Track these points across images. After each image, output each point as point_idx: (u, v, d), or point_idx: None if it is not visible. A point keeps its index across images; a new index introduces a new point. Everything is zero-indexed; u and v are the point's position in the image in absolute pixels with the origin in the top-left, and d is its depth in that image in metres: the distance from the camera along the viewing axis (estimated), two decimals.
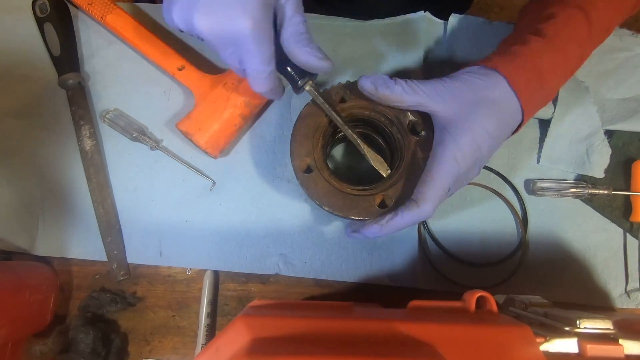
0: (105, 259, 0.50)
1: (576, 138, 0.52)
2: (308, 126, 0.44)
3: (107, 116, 0.52)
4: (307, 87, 0.42)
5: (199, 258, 0.50)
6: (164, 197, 0.52)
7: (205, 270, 0.50)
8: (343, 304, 0.37)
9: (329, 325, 0.32)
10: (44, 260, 0.51)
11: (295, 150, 0.43)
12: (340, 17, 0.57)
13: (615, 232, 0.52)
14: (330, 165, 0.49)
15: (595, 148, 0.51)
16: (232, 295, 0.51)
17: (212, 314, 0.49)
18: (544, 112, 0.52)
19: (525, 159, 0.53)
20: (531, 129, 0.54)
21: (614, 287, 0.50)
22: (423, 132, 0.43)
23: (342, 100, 0.44)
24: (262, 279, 0.51)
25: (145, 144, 0.52)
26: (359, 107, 0.44)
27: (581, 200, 0.52)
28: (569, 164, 0.52)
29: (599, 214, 0.52)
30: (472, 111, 0.38)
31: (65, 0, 0.54)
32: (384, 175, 0.43)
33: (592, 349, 0.32)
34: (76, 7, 0.54)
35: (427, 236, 0.51)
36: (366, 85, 0.41)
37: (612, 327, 0.33)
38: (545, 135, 0.52)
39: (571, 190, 0.51)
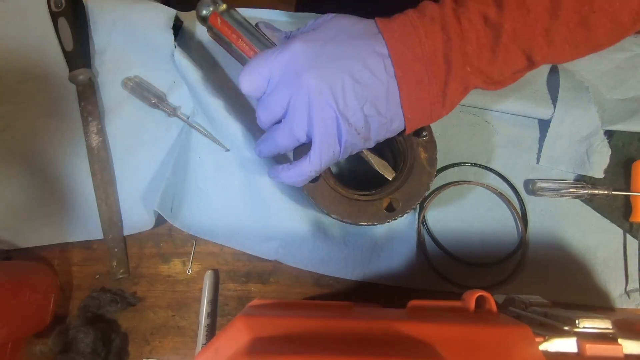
0: (105, 256, 0.50)
1: (576, 138, 0.52)
2: None
3: (129, 81, 0.53)
4: None
5: (206, 228, 0.51)
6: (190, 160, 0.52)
7: (205, 271, 0.50)
8: (343, 304, 0.37)
9: (328, 325, 0.32)
10: (44, 260, 0.51)
11: (299, 159, 0.43)
12: None
13: (615, 232, 0.52)
14: (332, 169, 0.48)
15: (595, 148, 0.51)
16: (232, 295, 0.51)
17: (212, 314, 0.49)
18: (544, 112, 0.52)
19: (525, 159, 0.53)
20: (531, 129, 0.54)
21: (614, 287, 0.50)
22: (424, 133, 0.43)
23: None
24: (262, 279, 0.51)
25: (164, 111, 0.53)
26: None
27: (581, 200, 0.52)
28: (568, 164, 0.52)
29: (599, 214, 0.52)
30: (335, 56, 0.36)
31: None
32: (389, 179, 0.43)
33: (592, 348, 0.32)
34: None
35: (427, 236, 0.51)
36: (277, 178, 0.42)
37: (611, 327, 0.33)
38: (545, 135, 0.52)
39: (571, 190, 0.51)
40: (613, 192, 0.50)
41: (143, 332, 0.50)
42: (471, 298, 0.36)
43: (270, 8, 0.57)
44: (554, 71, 0.54)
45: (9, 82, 0.54)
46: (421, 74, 0.36)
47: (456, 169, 0.53)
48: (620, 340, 0.32)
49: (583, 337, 0.32)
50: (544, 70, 0.55)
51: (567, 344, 0.32)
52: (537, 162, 0.53)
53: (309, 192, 0.43)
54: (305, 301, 0.49)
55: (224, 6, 0.41)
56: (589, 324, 0.33)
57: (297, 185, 0.42)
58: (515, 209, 0.52)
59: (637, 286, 0.50)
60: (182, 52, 0.51)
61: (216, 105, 0.50)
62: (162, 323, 0.50)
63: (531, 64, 0.37)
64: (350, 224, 0.43)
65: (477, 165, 0.53)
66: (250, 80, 0.38)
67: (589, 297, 0.50)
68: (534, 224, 0.52)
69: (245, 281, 0.51)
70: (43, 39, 0.54)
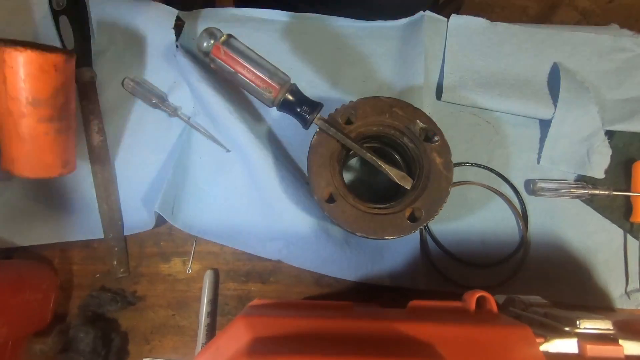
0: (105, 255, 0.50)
1: (577, 138, 0.52)
2: (322, 155, 0.43)
3: (130, 81, 0.53)
4: (318, 122, 0.42)
5: (208, 229, 0.51)
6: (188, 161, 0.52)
7: (205, 270, 0.50)
8: (343, 304, 0.37)
9: (329, 325, 0.32)
10: (45, 259, 0.51)
11: (314, 182, 0.42)
12: (342, 18, 0.57)
13: (615, 232, 0.52)
14: (345, 180, 0.47)
15: (595, 148, 0.51)
16: (232, 294, 0.51)
17: (212, 314, 0.49)
18: (545, 113, 0.52)
19: (526, 159, 0.53)
20: (531, 129, 0.54)
21: (614, 287, 0.50)
22: (436, 138, 0.43)
23: (348, 122, 0.44)
24: (263, 279, 0.51)
25: (165, 111, 0.53)
26: (366, 125, 0.44)
27: (581, 200, 0.52)
28: (569, 164, 0.52)
29: (600, 215, 0.52)
30: None
31: None
32: (408, 188, 0.43)
33: (592, 349, 0.32)
34: None
35: (428, 236, 0.51)
36: None
37: (612, 328, 0.33)
38: (546, 135, 0.52)
39: (571, 190, 0.51)
40: (613, 193, 0.50)
41: (143, 332, 0.50)
42: (472, 298, 0.36)
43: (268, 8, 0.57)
44: (554, 71, 0.54)
45: None
46: None
47: (457, 169, 0.53)
48: (620, 341, 0.32)
49: (584, 337, 0.32)
50: (544, 70, 0.55)
51: (567, 345, 0.32)
52: (538, 162, 0.53)
53: (330, 213, 0.42)
54: (305, 301, 0.49)
55: (224, 37, 0.41)
56: (590, 325, 0.33)
57: None
58: (515, 209, 0.52)
59: (638, 287, 0.50)
60: (183, 52, 0.51)
61: (218, 105, 0.50)
62: (162, 322, 0.50)
63: None
64: (376, 239, 0.42)
65: (478, 165, 0.53)
66: None
67: (590, 298, 0.50)
68: (534, 225, 0.52)
69: (246, 280, 0.51)
70: (45, 37, 0.54)
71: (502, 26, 0.56)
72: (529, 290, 0.50)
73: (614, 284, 0.50)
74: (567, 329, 0.33)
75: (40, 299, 0.46)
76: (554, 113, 0.51)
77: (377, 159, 0.42)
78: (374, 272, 0.50)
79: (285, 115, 0.45)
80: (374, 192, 0.52)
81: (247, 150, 0.50)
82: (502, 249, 0.51)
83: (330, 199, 0.42)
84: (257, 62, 0.41)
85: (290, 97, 0.42)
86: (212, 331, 0.49)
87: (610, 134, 0.52)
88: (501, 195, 0.52)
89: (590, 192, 0.50)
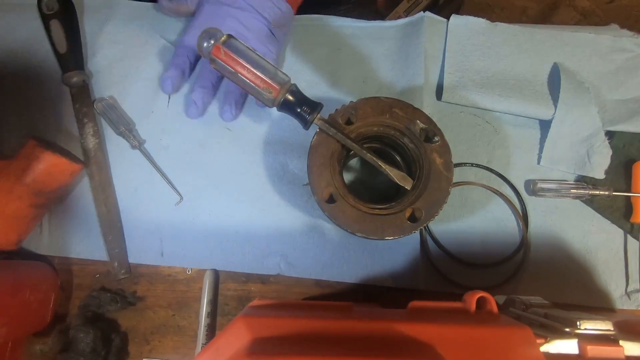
0: (105, 258, 0.50)
1: (577, 139, 0.52)
2: (322, 155, 0.43)
3: (100, 104, 0.52)
4: (318, 122, 0.42)
5: (201, 258, 0.50)
6: (165, 196, 0.52)
7: (205, 270, 0.50)
8: (343, 304, 0.37)
9: (329, 325, 0.32)
10: (45, 259, 0.51)
11: (314, 183, 0.42)
12: (342, 18, 0.57)
13: (615, 233, 0.52)
14: (345, 180, 0.47)
15: (595, 149, 0.51)
16: (232, 295, 0.51)
17: (212, 314, 0.49)
18: (545, 113, 0.52)
19: (526, 159, 0.53)
20: (532, 130, 0.54)
21: (615, 288, 0.50)
22: (436, 139, 0.43)
23: (349, 122, 0.44)
24: (263, 279, 0.51)
25: (128, 141, 0.52)
26: (366, 126, 0.44)
27: (582, 201, 0.52)
28: (569, 164, 0.52)
29: (600, 215, 0.52)
30: None
31: None
32: (408, 189, 0.43)
33: (593, 350, 0.32)
34: None
35: (428, 237, 0.51)
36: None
37: (612, 328, 0.33)
38: (546, 135, 0.52)
39: (572, 191, 0.51)
40: (614, 193, 0.50)
41: (143, 332, 0.50)
42: (472, 299, 0.36)
43: None
44: (554, 72, 0.54)
45: (3, 83, 0.54)
46: None
47: (457, 169, 0.53)
48: (621, 342, 0.32)
49: (584, 338, 0.32)
50: (545, 70, 0.55)
51: (568, 346, 0.32)
52: (538, 162, 0.53)
53: (330, 214, 0.42)
54: (305, 301, 0.49)
55: (224, 37, 0.41)
56: (590, 326, 0.33)
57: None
58: (516, 209, 0.52)
59: (638, 287, 0.50)
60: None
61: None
62: (162, 322, 0.50)
63: None
64: (376, 239, 0.42)
65: (478, 165, 0.53)
66: None
67: (590, 298, 0.50)
68: (534, 225, 0.52)
69: (246, 281, 0.51)
70: (35, 40, 0.54)
71: (502, 26, 0.56)
72: (529, 290, 0.50)
73: (614, 285, 0.50)
74: (567, 329, 0.33)
75: (40, 299, 0.46)
76: (554, 113, 0.51)
77: (377, 159, 0.42)
78: (374, 272, 0.50)
79: (285, 116, 0.45)
80: (374, 192, 0.52)
81: (246, 161, 0.51)
82: (503, 249, 0.51)
83: (331, 200, 0.42)
84: (257, 62, 0.41)
85: (290, 98, 0.42)
86: (212, 331, 0.49)
87: (610, 135, 0.52)
88: (501, 195, 0.52)
89: (590, 192, 0.50)
